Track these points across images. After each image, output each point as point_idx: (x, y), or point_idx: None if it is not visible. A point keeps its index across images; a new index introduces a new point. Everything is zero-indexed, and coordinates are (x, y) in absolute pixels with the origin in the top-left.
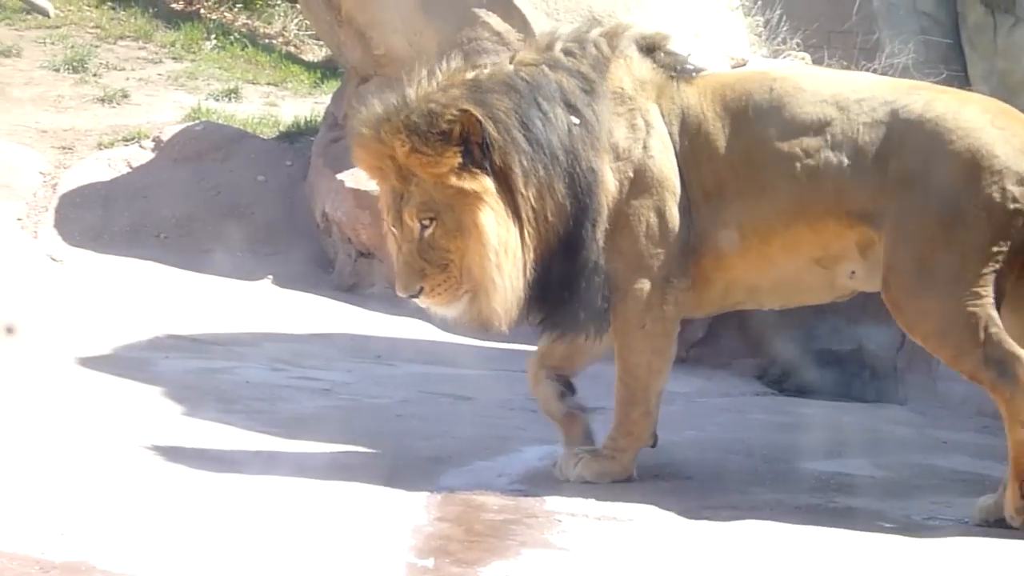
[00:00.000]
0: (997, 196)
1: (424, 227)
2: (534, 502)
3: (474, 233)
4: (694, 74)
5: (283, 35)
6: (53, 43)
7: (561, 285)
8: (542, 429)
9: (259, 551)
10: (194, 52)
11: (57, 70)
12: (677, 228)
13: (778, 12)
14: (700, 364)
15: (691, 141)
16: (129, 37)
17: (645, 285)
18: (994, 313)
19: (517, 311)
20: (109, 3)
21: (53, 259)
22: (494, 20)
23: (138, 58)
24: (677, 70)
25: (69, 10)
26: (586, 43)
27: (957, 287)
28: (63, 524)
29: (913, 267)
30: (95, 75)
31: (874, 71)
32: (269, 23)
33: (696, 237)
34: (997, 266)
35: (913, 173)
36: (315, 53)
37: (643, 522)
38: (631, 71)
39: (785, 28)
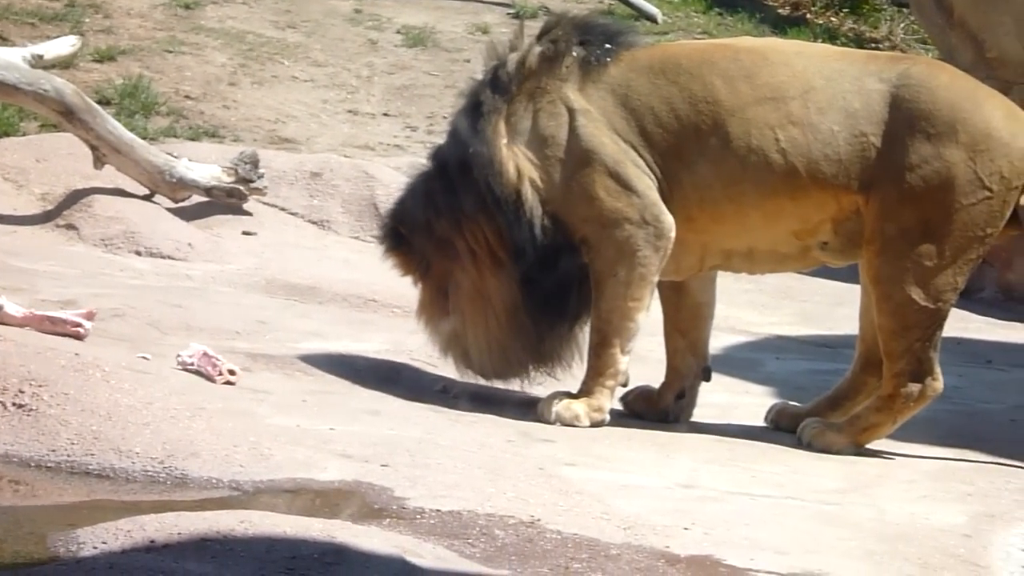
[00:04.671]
0: (1006, 171)
1: None
2: None
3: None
4: (611, 57)
5: (889, 39)
6: None
7: (547, 290)
8: None
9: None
10: None
11: None
12: (628, 181)
13: None
14: None
15: (635, 111)
16: None
17: (614, 239)
18: None
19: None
20: (716, 9)
21: None
22: None
23: None
24: (596, 55)
25: (677, 16)
26: (489, 78)
27: (950, 265)
28: (687, 519)
29: (915, 228)
30: None
31: None
32: (876, 27)
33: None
34: (983, 250)
35: (924, 141)
36: None
37: None
38: (546, 71)
39: None
